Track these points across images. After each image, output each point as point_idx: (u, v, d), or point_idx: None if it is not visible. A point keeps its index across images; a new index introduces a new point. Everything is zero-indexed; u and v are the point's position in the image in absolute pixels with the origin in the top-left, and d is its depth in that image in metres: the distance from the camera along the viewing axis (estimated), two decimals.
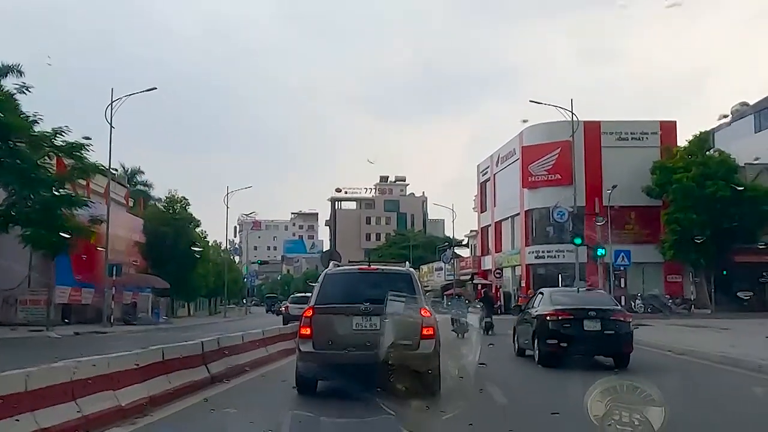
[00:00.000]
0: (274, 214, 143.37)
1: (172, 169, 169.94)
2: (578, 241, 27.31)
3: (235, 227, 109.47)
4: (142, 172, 57.51)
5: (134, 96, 31.50)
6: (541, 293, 15.30)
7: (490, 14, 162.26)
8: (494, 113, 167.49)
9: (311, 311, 8.83)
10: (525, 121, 40.67)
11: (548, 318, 13.32)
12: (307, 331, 8.78)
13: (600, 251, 25.82)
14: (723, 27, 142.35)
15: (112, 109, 30.67)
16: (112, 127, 30.80)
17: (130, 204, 45.59)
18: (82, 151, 25.37)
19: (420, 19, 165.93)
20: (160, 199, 52.79)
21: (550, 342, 13.06)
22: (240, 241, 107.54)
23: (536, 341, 13.64)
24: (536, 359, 13.57)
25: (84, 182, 33.38)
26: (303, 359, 8.87)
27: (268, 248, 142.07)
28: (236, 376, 10.94)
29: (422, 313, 8.74)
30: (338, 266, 10.44)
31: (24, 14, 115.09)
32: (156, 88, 31.95)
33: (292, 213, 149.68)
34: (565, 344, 12.76)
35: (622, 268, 24.48)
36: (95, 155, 27.09)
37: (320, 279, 9.50)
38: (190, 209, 43.77)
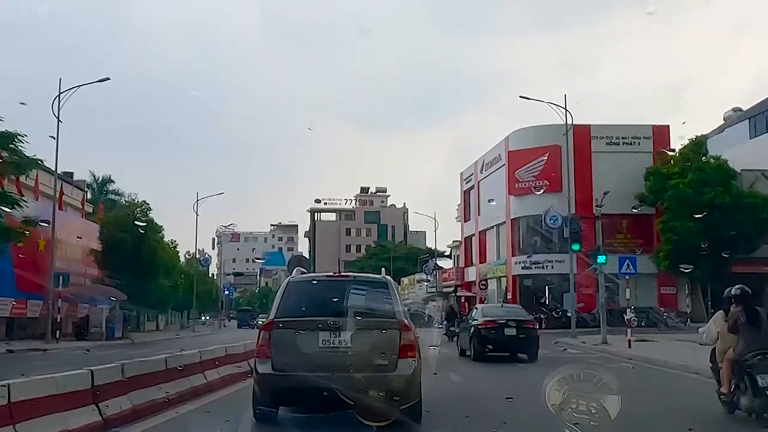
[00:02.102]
0: (253, 226, 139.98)
1: (146, 179, 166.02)
2: (576, 247, 24.73)
3: (214, 239, 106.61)
4: (113, 181, 56.10)
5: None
6: (476, 308, 21.10)
7: (473, 27, 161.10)
8: (477, 125, 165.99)
9: (270, 326, 7.64)
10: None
11: (479, 326, 17.93)
12: (265, 349, 7.53)
13: (600, 258, 23.32)
14: (704, 36, 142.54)
15: (59, 101, 27.82)
16: (59, 121, 27.90)
17: (89, 209, 42.43)
18: (17, 143, 22.30)
19: (402, 31, 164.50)
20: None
21: (480, 344, 17.56)
22: (218, 253, 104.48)
23: (471, 343, 18.08)
24: (472, 357, 17.97)
25: (32, 183, 30.50)
26: (260, 383, 7.57)
27: (247, 260, 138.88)
28: (149, 415, 8.16)
29: (400, 327, 7.51)
30: (304, 273, 9.44)
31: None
32: (109, 79, 29.08)
33: (271, 225, 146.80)
34: (491, 345, 17.45)
35: (627, 277, 22.01)
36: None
37: (282, 288, 8.20)
38: (152, 214, 40.64)
